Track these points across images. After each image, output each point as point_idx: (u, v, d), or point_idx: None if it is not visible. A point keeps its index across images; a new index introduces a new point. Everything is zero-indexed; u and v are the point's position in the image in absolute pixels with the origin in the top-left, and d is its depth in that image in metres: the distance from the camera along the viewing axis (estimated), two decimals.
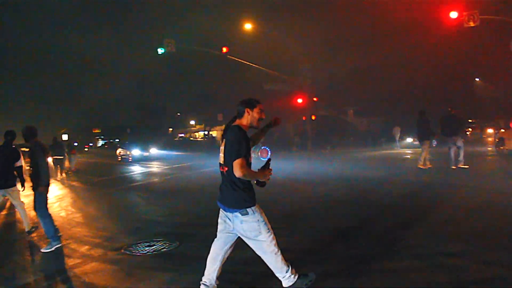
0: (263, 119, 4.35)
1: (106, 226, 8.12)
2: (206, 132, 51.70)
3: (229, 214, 4.20)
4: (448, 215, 7.56)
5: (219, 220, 4.39)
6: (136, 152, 29.53)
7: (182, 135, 63.50)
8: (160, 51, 27.28)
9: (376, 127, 40.70)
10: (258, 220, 4.13)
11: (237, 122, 4.25)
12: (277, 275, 4.31)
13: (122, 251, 6.16)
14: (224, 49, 28.73)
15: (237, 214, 4.11)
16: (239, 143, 3.96)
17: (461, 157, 14.53)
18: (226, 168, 4.05)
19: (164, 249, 6.15)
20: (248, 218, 4.09)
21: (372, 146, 34.84)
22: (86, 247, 6.56)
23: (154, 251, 6.10)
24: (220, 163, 4.21)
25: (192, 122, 63.30)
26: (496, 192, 9.68)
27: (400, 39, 41.15)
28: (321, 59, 38.01)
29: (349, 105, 48.05)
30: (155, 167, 23.20)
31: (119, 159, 30.22)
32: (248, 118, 4.22)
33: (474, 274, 4.68)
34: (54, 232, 6.55)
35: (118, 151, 31.77)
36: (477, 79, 48.47)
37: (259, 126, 4.35)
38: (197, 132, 62.40)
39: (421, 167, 14.91)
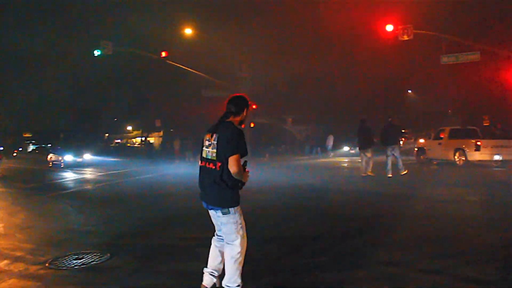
0: None
1: (30, 237, 7.51)
2: (143, 138, 50.56)
3: (213, 213, 4.13)
4: (387, 224, 7.65)
5: (214, 221, 4.30)
6: (68, 157, 28.25)
7: (119, 140, 61.84)
8: (96, 53, 26.37)
9: (314, 136, 41.31)
10: (236, 222, 4.06)
11: (231, 119, 4.19)
12: (226, 283, 4.16)
13: (47, 265, 5.66)
14: (163, 54, 28.23)
15: (219, 213, 4.06)
16: (238, 140, 3.97)
17: (400, 165, 14.97)
18: (219, 164, 3.98)
19: (94, 262, 5.72)
20: (228, 218, 4.02)
21: (309, 154, 35.32)
22: (5, 261, 5.95)
23: (82, 264, 5.66)
24: (207, 159, 4.08)
25: (129, 128, 61.80)
26: (432, 200, 10.00)
27: (338, 50, 42.23)
28: (261, 67, 38.19)
29: (288, 113, 48.59)
30: (88, 173, 22.26)
31: (50, 165, 28.77)
32: (243, 116, 4.25)
33: (414, 283, 4.68)
34: None
35: (49, 157, 30.26)
36: (409, 91, 50.59)
37: (244, 126, 4.31)
38: (134, 138, 60.98)
39: (371, 174, 15.23)
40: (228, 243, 4.16)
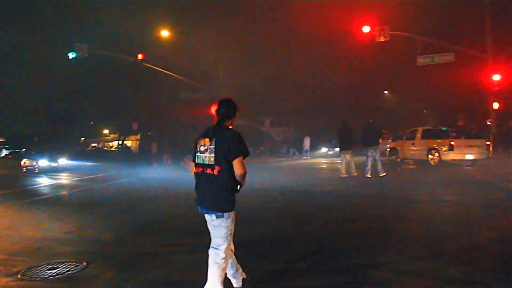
0: None
1: (1, 247, 7.22)
2: (120, 142, 49.97)
3: (208, 218, 4.12)
4: (367, 226, 7.63)
5: (209, 227, 4.28)
6: (43, 162, 27.64)
7: (95, 144, 60.99)
8: (71, 55, 25.93)
9: (290, 137, 41.38)
10: (227, 227, 4.09)
11: (226, 123, 4.24)
12: None
13: (19, 276, 5.46)
14: (140, 56, 27.94)
15: (213, 217, 4.08)
16: (240, 142, 4.04)
17: (379, 167, 15.12)
18: (219, 168, 4.00)
19: (69, 272, 5.56)
20: (220, 222, 4.04)
21: (285, 155, 35.36)
22: None
23: (57, 274, 5.48)
24: (204, 164, 4.07)
25: (106, 131, 61.01)
26: (411, 201, 10.07)
27: (315, 52, 42.45)
28: (238, 69, 38.17)
29: (266, 115, 48.60)
30: (64, 178, 21.83)
31: (24, 170, 28.13)
32: (234, 119, 4.32)
33: (397, 286, 4.65)
34: None
35: (23, 162, 29.56)
36: (385, 92, 51.16)
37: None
38: (111, 141, 60.27)
39: (355, 174, 15.35)
40: (213, 247, 4.15)
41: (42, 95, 51.26)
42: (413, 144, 20.83)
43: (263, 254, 6.13)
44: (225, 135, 4.06)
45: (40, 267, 5.76)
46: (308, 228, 7.71)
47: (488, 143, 20.61)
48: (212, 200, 4.07)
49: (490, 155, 23.44)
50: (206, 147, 4.09)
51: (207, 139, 4.12)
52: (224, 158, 3.98)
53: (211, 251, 4.17)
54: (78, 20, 46.11)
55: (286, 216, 9.01)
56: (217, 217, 4.06)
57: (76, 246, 6.98)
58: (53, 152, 31.51)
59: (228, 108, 4.26)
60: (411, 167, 20.27)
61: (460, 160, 19.01)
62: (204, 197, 4.13)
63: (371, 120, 16.04)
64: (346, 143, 15.52)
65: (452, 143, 18.73)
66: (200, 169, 4.15)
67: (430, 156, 19.38)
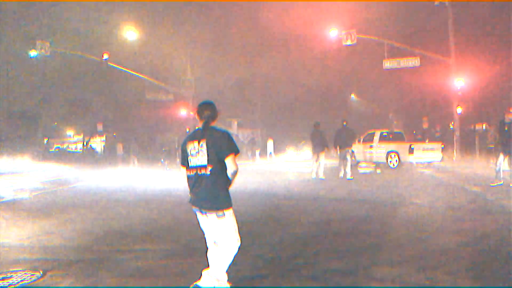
0: None
1: None
2: (85, 143, 48.91)
3: (207, 218, 4.27)
4: (337, 230, 7.57)
5: (207, 227, 4.40)
6: (3, 164, 26.78)
7: (59, 146, 59.54)
8: (33, 54, 25.15)
9: (256, 140, 41.31)
10: (231, 224, 4.24)
11: (211, 124, 4.36)
12: (214, 274, 4.36)
13: None
14: (105, 55, 27.32)
15: (214, 215, 4.18)
16: (231, 140, 4.20)
17: (348, 169, 15.21)
18: (211, 166, 4.14)
19: (24, 282, 5.24)
20: (224, 221, 4.16)
21: (251, 158, 35.27)
22: None
23: (10, 284, 5.16)
24: (197, 166, 4.23)
25: (70, 132, 59.68)
26: (380, 204, 10.10)
27: (282, 55, 42.60)
28: (206, 70, 37.94)
29: (234, 117, 48.48)
30: (24, 181, 21.08)
31: None
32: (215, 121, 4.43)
33: None
34: None
35: None
36: (352, 95, 51.82)
37: None
38: (76, 142, 58.98)
39: (323, 177, 15.38)
40: (222, 245, 4.26)
41: (1, 94, 49.54)
42: (371, 147, 21.19)
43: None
44: (215, 136, 4.22)
45: None
46: (273, 233, 7.55)
47: (442, 145, 21.41)
48: (210, 201, 4.19)
49: (454, 158, 24.01)
50: (196, 150, 4.23)
51: (196, 142, 4.25)
52: (215, 157, 4.15)
53: (216, 249, 4.33)
54: (40, 16, 44.70)
55: (256, 221, 8.82)
56: (218, 216, 4.17)
57: (33, 254, 6.65)
58: (13, 154, 30.60)
59: (212, 110, 4.39)
60: (372, 169, 20.50)
61: (417, 162, 19.53)
62: (201, 198, 4.24)
63: (344, 122, 16.09)
64: (319, 145, 15.54)
65: (412, 146, 19.28)
66: (194, 170, 4.28)
67: (389, 159, 19.82)
